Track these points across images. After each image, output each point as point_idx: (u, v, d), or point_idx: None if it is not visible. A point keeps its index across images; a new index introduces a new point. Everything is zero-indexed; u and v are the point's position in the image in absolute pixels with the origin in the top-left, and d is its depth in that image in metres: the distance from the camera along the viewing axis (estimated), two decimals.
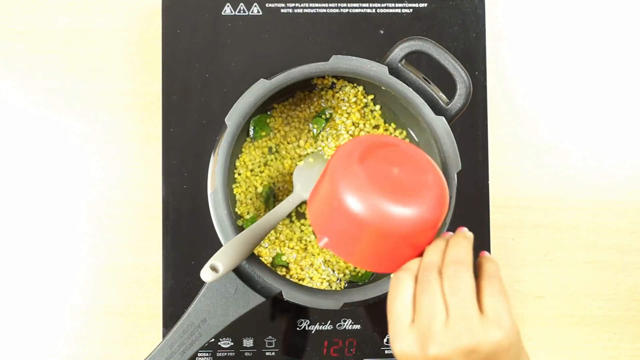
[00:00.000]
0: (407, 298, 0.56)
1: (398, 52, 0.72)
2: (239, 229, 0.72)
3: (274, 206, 0.77)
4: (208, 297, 0.69)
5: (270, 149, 0.80)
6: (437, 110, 0.72)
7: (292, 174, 0.79)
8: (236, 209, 0.78)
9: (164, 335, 0.77)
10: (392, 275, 0.58)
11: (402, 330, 0.55)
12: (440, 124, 0.72)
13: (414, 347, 0.54)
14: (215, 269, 0.65)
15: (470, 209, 0.82)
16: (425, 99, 0.72)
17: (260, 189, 0.78)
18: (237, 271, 0.69)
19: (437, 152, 0.73)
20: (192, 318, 0.69)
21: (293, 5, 0.83)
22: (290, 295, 0.69)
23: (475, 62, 0.83)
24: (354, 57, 0.72)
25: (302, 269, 0.78)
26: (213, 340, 0.78)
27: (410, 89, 0.72)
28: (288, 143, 0.80)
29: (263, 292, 0.69)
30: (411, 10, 0.84)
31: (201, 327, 0.69)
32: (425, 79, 0.73)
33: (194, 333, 0.69)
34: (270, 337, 0.80)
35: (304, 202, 0.78)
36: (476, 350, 0.53)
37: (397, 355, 0.55)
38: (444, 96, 0.73)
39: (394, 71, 0.72)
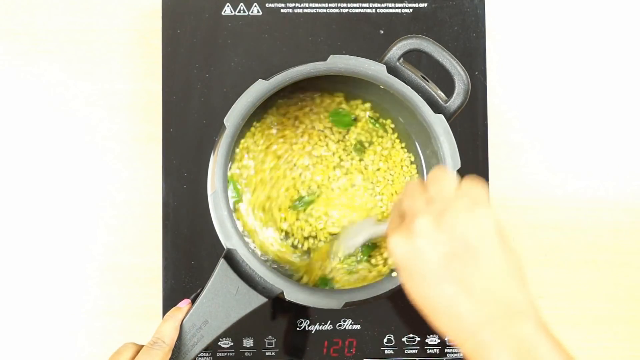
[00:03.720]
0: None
1: (396, 50, 0.72)
2: (240, 230, 0.72)
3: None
4: (209, 299, 0.69)
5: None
6: (436, 108, 0.72)
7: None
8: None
9: None
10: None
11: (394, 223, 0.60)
12: (439, 122, 0.72)
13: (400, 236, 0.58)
14: None
15: None
16: (423, 97, 0.72)
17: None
18: (239, 272, 0.69)
19: (437, 150, 0.72)
20: (193, 319, 0.69)
21: (293, 5, 0.83)
22: (291, 296, 0.69)
23: (475, 62, 0.83)
24: (351, 57, 0.72)
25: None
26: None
27: (409, 87, 0.72)
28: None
29: (264, 292, 0.69)
30: (411, 10, 0.84)
31: (203, 328, 0.69)
32: (424, 77, 0.73)
33: (195, 334, 0.69)
34: (270, 337, 0.81)
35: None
36: (449, 216, 0.56)
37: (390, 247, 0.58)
38: (442, 94, 0.73)
39: (392, 70, 0.72)
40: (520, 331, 0.53)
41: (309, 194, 0.78)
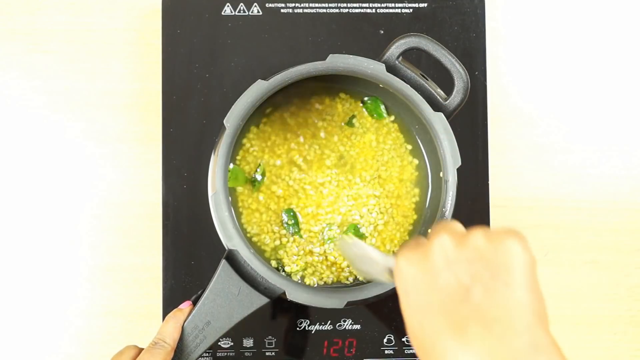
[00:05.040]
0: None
1: (394, 49, 0.72)
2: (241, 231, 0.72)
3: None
4: (211, 300, 0.69)
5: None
6: (436, 106, 0.72)
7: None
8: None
9: None
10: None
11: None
12: (438, 120, 0.72)
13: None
14: None
15: (470, 209, 0.82)
16: (423, 96, 0.72)
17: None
18: (240, 272, 0.69)
19: (438, 149, 0.72)
20: (196, 321, 0.69)
21: (293, 5, 0.83)
22: (293, 295, 0.69)
23: (475, 62, 0.83)
24: (350, 56, 0.72)
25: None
26: None
27: (408, 85, 0.72)
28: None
29: (267, 292, 0.69)
30: (411, 10, 0.84)
31: (205, 329, 0.69)
32: (423, 76, 0.73)
33: (198, 336, 0.69)
34: (270, 337, 0.80)
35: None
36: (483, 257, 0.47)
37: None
38: (442, 92, 0.73)
39: (391, 68, 0.72)
40: None
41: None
